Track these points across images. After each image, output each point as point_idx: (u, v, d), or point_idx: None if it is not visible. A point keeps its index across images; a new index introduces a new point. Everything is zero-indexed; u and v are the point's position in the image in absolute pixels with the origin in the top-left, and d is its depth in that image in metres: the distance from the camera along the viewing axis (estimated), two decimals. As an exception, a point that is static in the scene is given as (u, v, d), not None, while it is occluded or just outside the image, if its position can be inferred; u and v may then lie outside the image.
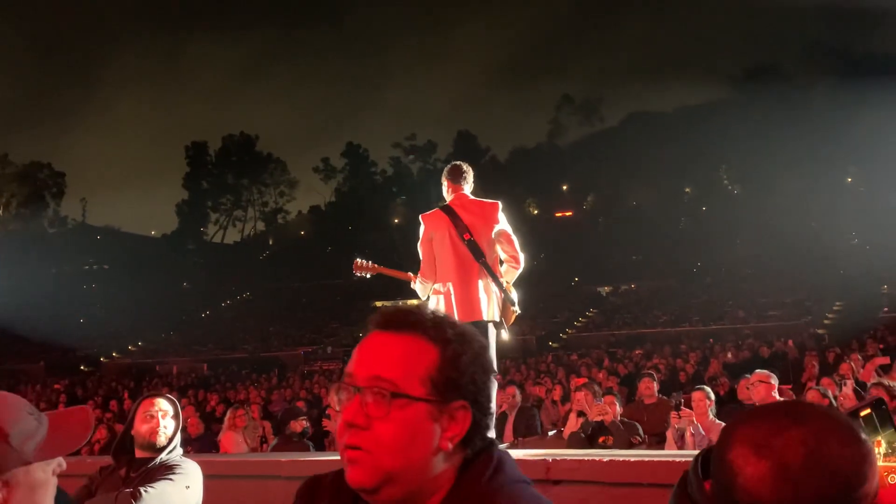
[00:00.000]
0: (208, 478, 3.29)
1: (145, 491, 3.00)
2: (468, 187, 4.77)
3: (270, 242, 74.55)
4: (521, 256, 4.73)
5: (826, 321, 29.96)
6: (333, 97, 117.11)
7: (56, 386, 22.75)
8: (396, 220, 66.59)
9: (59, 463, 1.50)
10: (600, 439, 5.94)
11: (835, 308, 31.72)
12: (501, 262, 4.71)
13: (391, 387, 1.09)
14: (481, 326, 4.45)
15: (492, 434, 1.25)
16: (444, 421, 1.11)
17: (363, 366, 1.13)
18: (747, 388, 6.19)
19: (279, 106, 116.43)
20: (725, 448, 1.01)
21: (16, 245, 57.21)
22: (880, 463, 1.17)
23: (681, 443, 5.84)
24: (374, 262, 4.94)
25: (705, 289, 37.64)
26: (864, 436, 1.00)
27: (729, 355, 17.55)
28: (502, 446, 1.68)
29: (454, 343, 1.14)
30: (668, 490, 1.12)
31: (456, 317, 4.27)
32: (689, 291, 37.61)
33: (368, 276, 4.95)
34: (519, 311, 4.71)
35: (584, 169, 64.19)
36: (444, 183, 4.81)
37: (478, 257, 4.52)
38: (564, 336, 34.40)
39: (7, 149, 70.14)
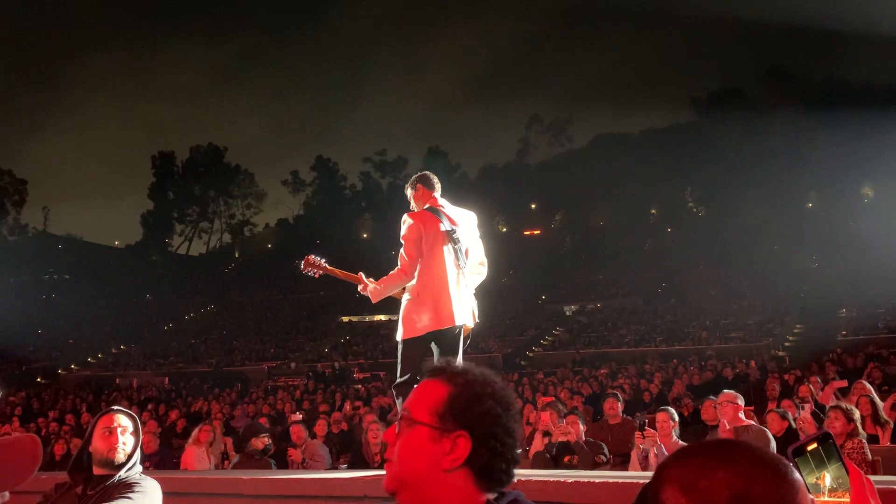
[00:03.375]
0: (168, 495, 3.22)
1: (103, 510, 2.92)
2: (439, 196, 4.72)
3: (236, 255, 73.79)
4: None
5: (787, 343, 30.47)
6: (304, 110, 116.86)
7: (11, 399, 22.17)
8: (365, 235, 66.42)
9: (3, 496, 1.42)
10: (565, 459, 5.95)
11: (795, 330, 32.29)
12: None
13: (407, 414, 1.44)
14: (466, 330, 4.47)
15: (510, 481, 1.43)
16: (445, 444, 1.38)
17: (406, 401, 1.49)
18: (714, 409, 6.25)
19: (249, 117, 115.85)
20: (657, 487, 1.04)
21: (-27, 253, 55.94)
22: (825, 498, 1.24)
23: (644, 463, 5.87)
24: (326, 262, 4.82)
25: (669, 309, 38.07)
26: (793, 475, 1.01)
27: (692, 376, 17.74)
28: None
29: (461, 385, 1.42)
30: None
31: (454, 320, 4.29)
32: (654, 311, 38.01)
33: (317, 275, 4.81)
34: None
35: (552, 188, 64.78)
36: (417, 189, 4.72)
37: (463, 261, 4.50)
38: (531, 354, 34.49)
39: (-33, 154, 68.69)
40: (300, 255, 5.14)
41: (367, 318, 41.73)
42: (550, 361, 30.10)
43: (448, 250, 4.42)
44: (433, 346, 4.41)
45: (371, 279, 4.63)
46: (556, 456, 6.05)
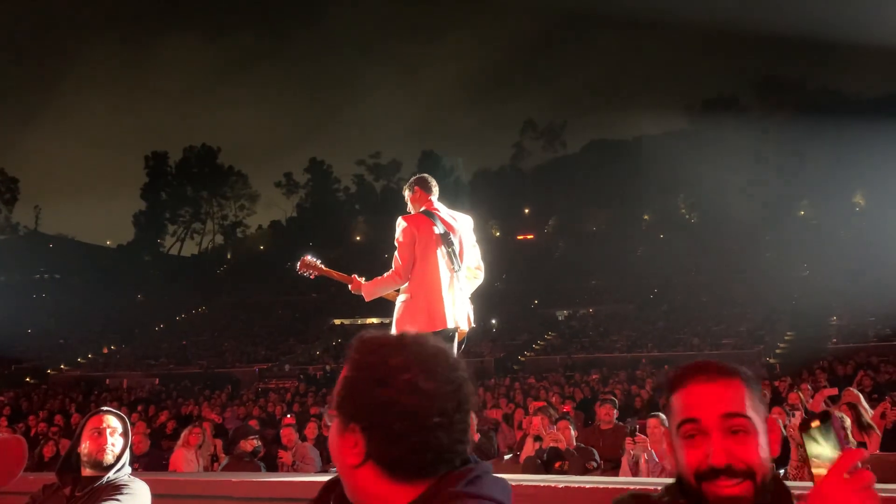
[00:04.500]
0: (157, 497, 3.20)
1: (91, 512, 2.91)
2: (436, 199, 4.72)
3: (228, 256, 73.61)
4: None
5: (778, 350, 30.56)
6: (299, 112, 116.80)
7: (0, 398, 22.03)
8: (358, 238, 66.35)
9: None
10: (556, 464, 5.95)
11: (786, 338, 32.39)
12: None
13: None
14: (461, 334, 4.48)
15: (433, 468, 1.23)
16: (348, 437, 1.22)
17: None
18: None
19: (243, 118, 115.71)
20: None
21: (-37, 251, 55.65)
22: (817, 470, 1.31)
23: (635, 469, 5.88)
24: (321, 263, 4.85)
25: (661, 315, 38.13)
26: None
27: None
28: None
29: (358, 369, 1.24)
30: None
31: (447, 323, 4.29)
32: (646, 317, 38.07)
33: (312, 275, 4.84)
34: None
35: (545, 193, 64.92)
36: (414, 192, 4.72)
37: (458, 264, 4.51)
38: (522, 359, 34.49)
39: (-42, 152, 68.40)
40: (293, 257, 5.14)
41: (359, 321, 41.65)
42: (542, 366, 30.09)
43: (442, 253, 4.42)
44: None
45: (363, 279, 4.64)
46: (547, 461, 6.05)
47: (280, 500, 4.27)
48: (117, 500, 3.00)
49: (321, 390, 21.82)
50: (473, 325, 4.61)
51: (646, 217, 63.37)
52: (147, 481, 3.25)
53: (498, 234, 66.23)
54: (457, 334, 4.48)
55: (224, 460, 7.77)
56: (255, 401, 19.08)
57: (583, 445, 6.56)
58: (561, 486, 3.50)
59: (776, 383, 14.22)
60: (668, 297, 41.44)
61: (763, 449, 1.42)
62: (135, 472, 3.37)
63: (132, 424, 3.53)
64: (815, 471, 1.34)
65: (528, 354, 35.27)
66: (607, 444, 7.03)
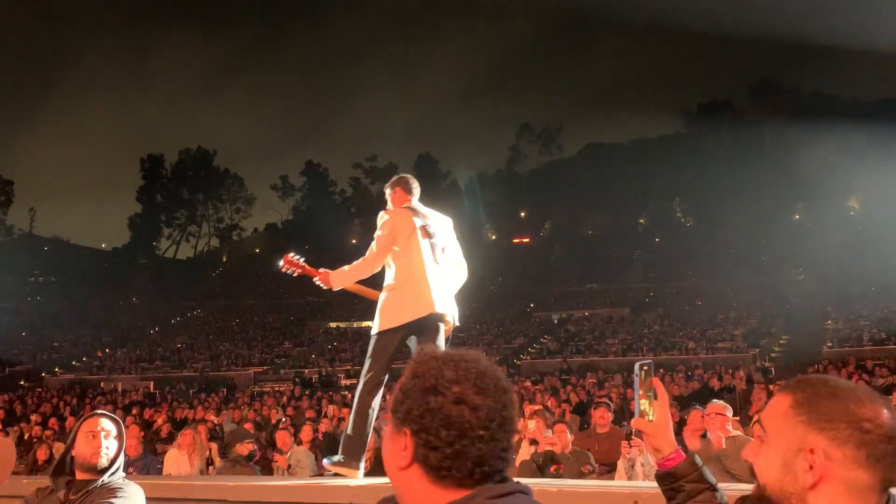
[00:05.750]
0: (152, 501, 3.19)
1: (84, 516, 2.90)
2: (416, 201, 4.74)
3: (224, 259, 73.49)
4: None
5: (773, 354, 30.62)
6: (295, 114, 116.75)
7: (-6, 401, 21.96)
8: (354, 241, 66.31)
9: None
10: (551, 468, 5.94)
11: (781, 342, 32.46)
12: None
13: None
14: (448, 328, 4.52)
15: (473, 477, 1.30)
16: (399, 440, 1.31)
17: None
18: (701, 418, 6.26)
19: (239, 120, 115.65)
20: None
21: (-42, 254, 55.47)
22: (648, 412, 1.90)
23: (631, 473, 5.88)
24: (304, 261, 4.90)
25: (657, 319, 38.19)
26: None
27: (679, 386, 17.78)
28: None
29: (411, 378, 1.34)
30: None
31: (434, 307, 4.31)
32: (642, 321, 38.12)
33: (295, 273, 4.89)
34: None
35: (541, 196, 65.01)
36: (395, 192, 4.77)
37: (441, 257, 4.54)
38: (518, 362, 34.48)
39: (-47, 154, 68.19)
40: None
41: (354, 325, 41.62)
42: (538, 370, 30.10)
43: (425, 244, 4.46)
44: (412, 338, 4.41)
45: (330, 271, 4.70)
46: (543, 465, 6.04)
47: (275, 504, 4.26)
48: (111, 503, 3.00)
49: (316, 394, 21.80)
50: (458, 323, 4.60)
51: (641, 221, 63.51)
52: (141, 485, 3.24)
53: (494, 237, 66.31)
54: (444, 327, 4.48)
55: (219, 464, 7.75)
56: (250, 404, 19.05)
57: (578, 449, 6.56)
58: (555, 489, 3.50)
59: (772, 387, 14.25)
60: (664, 301, 41.52)
61: None
62: (129, 475, 3.35)
63: (126, 428, 3.52)
64: (643, 407, 1.89)
65: (524, 358, 35.27)
66: (603, 447, 7.02)
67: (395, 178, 4.89)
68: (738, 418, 6.32)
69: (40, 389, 30.44)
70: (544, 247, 61.50)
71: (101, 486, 3.09)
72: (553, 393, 16.50)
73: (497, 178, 71.15)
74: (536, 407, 9.78)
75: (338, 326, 43.77)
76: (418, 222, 4.50)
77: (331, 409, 14.51)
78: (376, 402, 4.38)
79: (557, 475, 5.80)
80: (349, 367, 32.69)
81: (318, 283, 4.73)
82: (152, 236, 74.85)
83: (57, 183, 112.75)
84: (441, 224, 4.67)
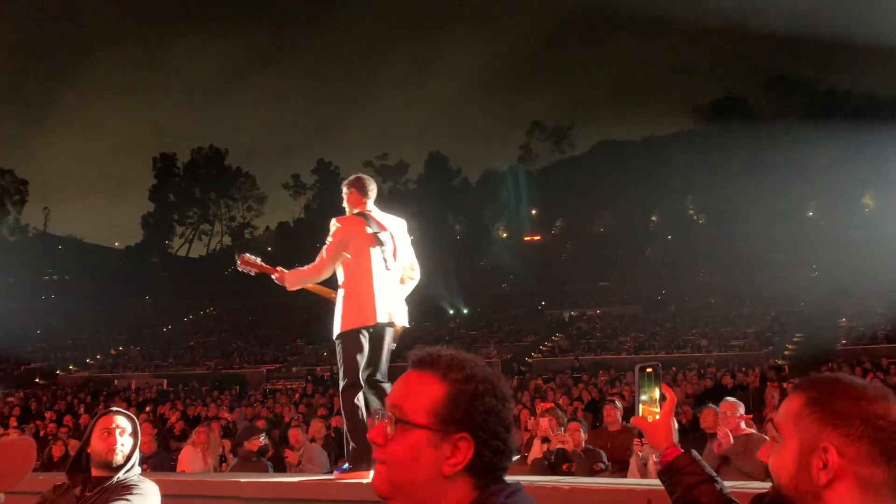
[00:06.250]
0: (166, 497, 3.21)
1: (101, 512, 2.92)
2: (371, 203, 4.80)
3: (236, 257, 73.69)
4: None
5: (786, 352, 30.44)
6: (307, 113, 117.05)
7: (10, 399, 22.15)
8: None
9: None
10: (563, 466, 5.94)
11: (795, 339, 32.25)
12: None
13: (400, 413, 1.32)
14: (396, 331, 4.61)
15: (510, 479, 1.38)
16: (446, 449, 1.29)
17: (391, 395, 1.38)
18: (715, 416, 6.24)
19: (251, 119, 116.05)
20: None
21: (-27, 252, 55.92)
22: (654, 409, 1.98)
23: (643, 470, 5.86)
24: (261, 260, 5.03)
25: (669, 317, 38.04)
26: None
27: (692, 384, 17.72)
28: None
29: (460, 383, 1.32)
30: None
31: (376, 318, 4.43)
32: (654, 319, 37.98)
33: (253, 272, 5.01)
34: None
35: (553, 194, 64.82)
36: (351, 192, 4.82)
37: (392, 263, 4.61)
38: (530, 360, 34.46)
39: (-31, 154, 68.69)
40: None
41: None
42: (550, 367, 30.06)
43: (376, 252, 4.55)
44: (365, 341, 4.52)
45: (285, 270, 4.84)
46: (555, 463, 6.04)
47: (287, 501, 4.29)
48: (127, 500, 3.01)
49: (328, 391, 21.86)
50: (407, 325, 4.68)
51: (654, 218, 63.20)
52: (156, 481, 3.26)
53: (505, 235, 66.22)
54: (392, 331, 4.59)
55: (232, 461, 7.79)
56: (262, 402, 19.13)
57: (590, 447, 6.55)
58: (568, 486, 3.50)
59: (785, 385, 14.17)
60: (676, 299, 41.34)
61: None
62: (143, 472, 3.37)
63: (140, 425, 3.53)
64: (644, 407, 1.97)
65: (536, 356, 35.24)
66: (615, 445, 7.01)
67: (351, 178, 4.92)
68: (751, 416, 6.28)
69: (55, 387, 30.71)
70: (556, 244, 61.38)
71: (116, 482, 3.11)
72: (565, 391, 16.47)
73: (508, 176, 71.00)
74: (548, 405, 9.76)
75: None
76: (370, 230, 4.58)
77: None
78: (361, 401, 4.43)
79: (569, 473, 5.80)
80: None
81: (275, 280, 4.85)
82: (165, 235, 75.26)
83: (71, 182, 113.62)
84: (394, 228, 4.73)
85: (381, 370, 4.51)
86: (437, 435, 1.30)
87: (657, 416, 1.98)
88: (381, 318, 4.45)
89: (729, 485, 2.67)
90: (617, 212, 61.16)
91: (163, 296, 55.98)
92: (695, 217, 62.95)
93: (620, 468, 6.51)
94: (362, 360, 4.42)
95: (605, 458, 6.34)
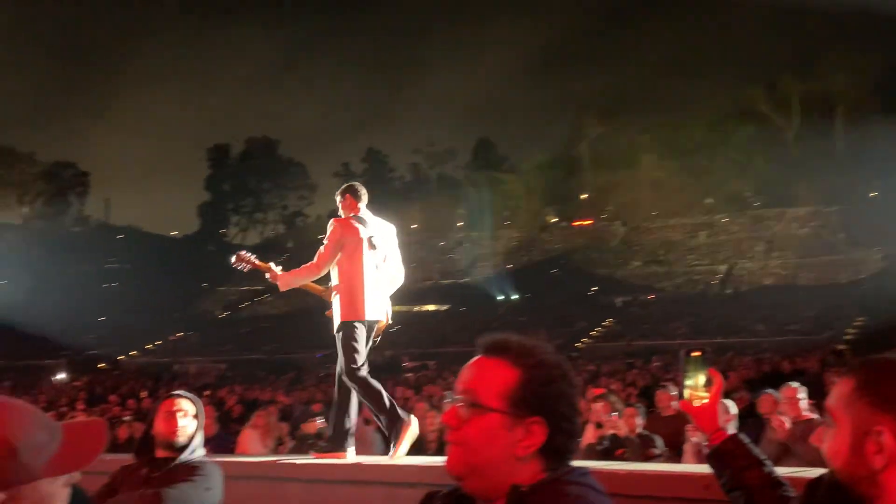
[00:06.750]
0: (228, 478, 3.30)
1: (166, 493, 3.02)
2: (364, 208, 5.15)
3: (290, 245, 74.92)
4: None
5: (847, 337, 29.60)
6: (356, 102, 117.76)
7: (76, 384, 22.96)
8: (414, 226, 66.71)
9: (73, 475, 1.43)
10: (617, 452, 5.91)
11: (856, 324, 31.33)
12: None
13: (473, 398, 1.37)
14: (380, 328, 5.06)
15: (577, 463, 1.44)
16: (519, 432, 1.35)
17: (461, 380, 1.43)
18: (775, 402, 6.13)
19: (301, 108, 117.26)
20: None
21: (39, 244, 57.97)
22: (700, 393, 2.01)
23: (699, 456, 5.79)
24: (255, 258, 5.36)
25: (724, 301, 37.34)
26: None
27: (748, 369, 17.37)
28: None
29: (533, 368, 1.38)
30: None
31: (367, 315, 4.87)
32: (708, 304, 37.33)
33: (246, 269, 5.35)
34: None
35: (603, 178, 63.91)
36: (345, 199, 5.17)
37: (381, 265, 5.01)
38: (580, 345, 34.24)
39: (34, 147, 71.07)
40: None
41: (414, 309, 41.93)
42: (600, 353, 29.82)
43: (369, 255, 4.93)
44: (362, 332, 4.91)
45: (280, 269, 5.28)
46: (608, 448, 6.02)
47: (343, 483, 4.37)
48: (192, 480, 3.11)
49: (380, 376, 22.07)
50: (391, 321, 5.14)
51: (708, 200, 61.86)
52: (218, 463, 3.36)
53: (554, 220, 65.69)
54: (377, 327, 5.01)
55: (290, 444, 7.96)
56: (317, 385, 19.42)
57: (646, 433, 6.50)
58: (624, 472, 3.49)
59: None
60: (731, 283, 40.54)
61: None
62: (207, 454, 3.48)
63: (202, 408, 3.64)
64: (691, 392, 1.99)
65: (586, 341, 34.99)
66: (669, 430, 6.93)
67: (344, 185, 5.30)
68: (813, 402, 6.15)
69: (117, 372, 31.72)
70: (606, 229, 60.67)
71: (180, 463, 3.22)
72: (619, 377, 16.33)
73: (558, 160, 70.25)
74: (600, 391, 9.70)
75: (399, 310, 44.12)
76: (365, 234, 4.96)
77: (398, 391, 14.69)
78: (375, 383, 4.88)
79: (623, 458, 5.77)
80: (414, 350, 33.03)
81: (268, 278, 5.22)
82: (221, 223, 76.84)
83: (129, 173, 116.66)
84: (385, 233, 5.13)
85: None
86: (510, 419, 1.35)
87: (705, 401, 1.99)
88: (370, 314, 4.88)
89: (788, 471, 2.63)
90: (668, 195, 59.94)
91: (219, 283, 57.15)
92: (750, 198, 61.39)
93: (676, 453, 6.44)
94: (361, 348, 4.80)
95: (661, 444, 6.29)
